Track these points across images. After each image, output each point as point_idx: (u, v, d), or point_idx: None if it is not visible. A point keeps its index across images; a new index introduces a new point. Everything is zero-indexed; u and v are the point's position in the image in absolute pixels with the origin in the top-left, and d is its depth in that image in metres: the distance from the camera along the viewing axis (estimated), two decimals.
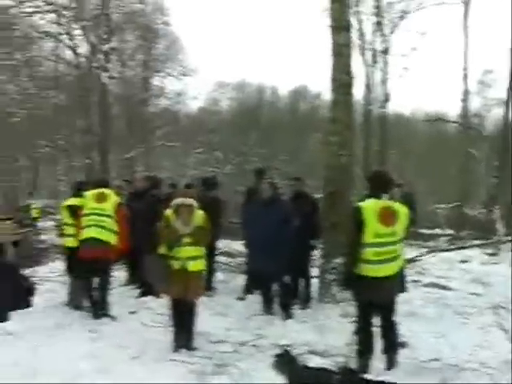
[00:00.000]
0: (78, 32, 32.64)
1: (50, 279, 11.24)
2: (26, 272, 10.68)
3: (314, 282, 9.80)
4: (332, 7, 10.11)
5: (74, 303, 8.98)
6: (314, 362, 6.20)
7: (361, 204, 5.98)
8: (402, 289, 6.28)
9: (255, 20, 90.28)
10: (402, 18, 31.93)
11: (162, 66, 40.38)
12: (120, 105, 38.38)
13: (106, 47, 31.44)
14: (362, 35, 31.84)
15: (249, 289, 10.02)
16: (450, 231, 26.27)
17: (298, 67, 78.92)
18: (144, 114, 39.50)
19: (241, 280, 10.64)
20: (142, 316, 8.59)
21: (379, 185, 6.07)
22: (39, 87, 36.81)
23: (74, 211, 9.00)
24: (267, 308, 8.87)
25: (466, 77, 29.49)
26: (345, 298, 8.70)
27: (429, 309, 9.24)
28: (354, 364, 5.90)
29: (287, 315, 8.57)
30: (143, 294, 9.80)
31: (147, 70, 40.43)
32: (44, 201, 34.65)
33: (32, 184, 39.06)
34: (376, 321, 6.21)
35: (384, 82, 32.40)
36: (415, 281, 11.43)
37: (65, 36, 33.31)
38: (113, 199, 8.75)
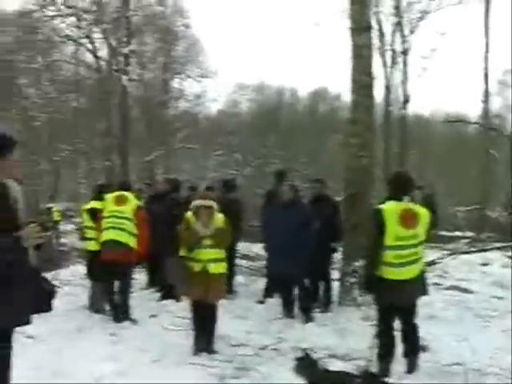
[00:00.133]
0: (98, 35, 32.87)
1: (71, 282, 11.31)
2: (47, 275, 10.76)
3: (335, 284, 9.76)
4: (352, 8, 10.07)
5: (94, 307, 9.02)
6: (335, 365, 6.15)
7: (381, 206, 5.93)
8: (425, 291, 6.21)
9: (275, 22, 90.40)
10: (421, 18, 31.80)
11: (182, 68, 40.49)
12: (140, 107, 38.56)
13: (125, 50, 31.61)
14: (381, 36, 31.73)
15: (269, 292, 9.99)
16: (471, 233, 26.07)
17: (318, 69, 78.94)
18: (164, 116, 39.64)
19: (261, 283, 10.61)
20: (162, 319, 8.59)
21: (400, 187, 6.02)
22: (60, 91, 37.15)
23: (95, 214, 9.03)
24: (287, 311, 8.84)
25: (486, 77, 29.30)
26: (365, 301, 8.67)
27: (449, 312, 9.18)
28: (374, 368, 5.85)
29: (308, 318, 8.54)
30: (163, 298, 9.82)
31: (167, 72, 40.57)
32: (64, 204, 34.89)
33: (53, 187, 39.32)
34: (397, 324, 6.16)
35: (404, 82, 32.25)
36: (436, 283, 11.34)
37: (85, 39, 33.54)
38: (132, 202, 8.76)
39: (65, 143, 37.54)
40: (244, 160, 43.70)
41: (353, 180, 9.76)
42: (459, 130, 46.30)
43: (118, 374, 5.98)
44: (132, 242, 8.54)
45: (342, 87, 54.00)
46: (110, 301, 8.70)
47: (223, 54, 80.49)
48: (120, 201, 8.73)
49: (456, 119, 38.17)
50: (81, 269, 11.53)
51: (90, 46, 33.95)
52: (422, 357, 6.30)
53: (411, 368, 6.08)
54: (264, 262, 10.75)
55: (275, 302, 9.49)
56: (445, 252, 16.39)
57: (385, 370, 5.92)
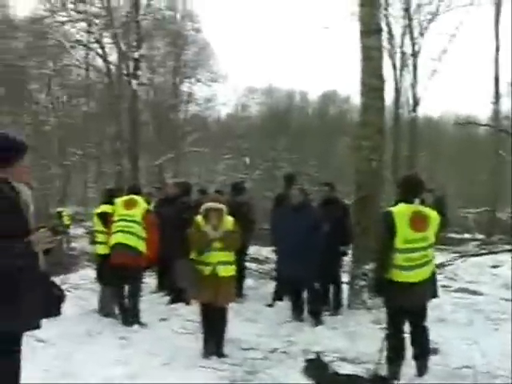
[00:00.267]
0: (108, 40, 32.99)
1: (81, 286, 11.32)
2: (57, 279, 10.79)
3: (345, 287, 9.75)
4: (361, 11, 10.08)
5: (104, 310, 9.03)
6: (345, 368, 6.15)
7: (391, 209, 5.93)
8: (435, 294, 6.19)
9: (284, 25, 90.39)
10: (431, 20, 31.71)
11: (192, 72, 40.58)
12: (150, 111, 38.66)
13: (135, 54, 31.68)
14: (391, 38, 31.67)
15: (278, 295, 9.99)
16: (480, 236, 25.98)
17: (327, 72, 78.66)
18: (173, 120, 39.74)
19: (270, 286, 10.61)
20: (172, 323, 8.61)
21: (410, 189, 6.01)
22: (70, 95, 37.36)
23: (105, 218, 9.05)
24: (297, 314, 8.84)
25: (496, 79, 29.20)
26: (375, 304, 8.66)
27: (459, 314, 9.15)
28: (384, 371, 5.84)
29: (317, 322, 8.53)
30: (173, 301, 9.83)
31: (177, 76, 40.66)
32: (74, 208, 34.98)
33: (62, 191, 39.44)
34: (407, 327, 6.15)
35: (413, 85, 32.17)
36: (445, 286, 11.30)
37: (95, 44, 33.70)
38: (142, 206, 8.77)
39: (75, 147, 37.72)
40: (253, 163, 43.69)
41: (363, 183, 9.75)
42: (469, 132, 46.09)
43: (128, 378, 5.99)
44: (141, 246, 8.55)
45: (351, 90, 53.87)
46: (120, 304, 8.72)
47: (233, 58, 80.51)
48: (129, 204, 8.74)
49: (466, 121, 38.00)
50: (90, 273, 11.55)
51: (100, 51, 34.09)
52: (432, 360, 6.28)
53: (421, 371, 6.06)
54: (273, 265, 10.76)
55: (285, 305, 9.49)
56: (454, 254, 16.34)
57: (394, 373, 5.90)
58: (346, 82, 77.40)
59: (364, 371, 5.91)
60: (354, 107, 41.98)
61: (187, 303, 9.24)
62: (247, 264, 11.33)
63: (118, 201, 8.90)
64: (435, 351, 6.68)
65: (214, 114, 45.92)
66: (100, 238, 9.20)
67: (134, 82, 31.14)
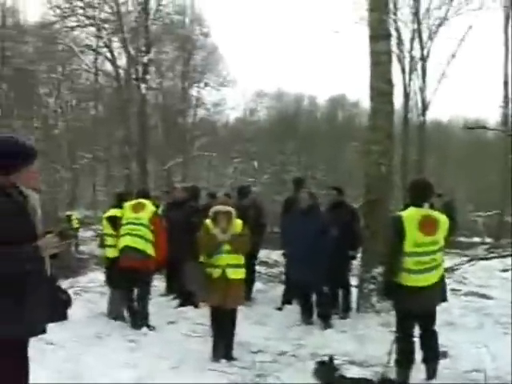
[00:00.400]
0: (117, 44, 33.11)
1: (90, 289, 11.35)
2: (66, 282, 10.84)
3: (354, 291, 9.74)
4: (370, 16, 10.08)
5: (113, 313, 9.04)
6: (354, 372, 6.14)
7: (401, 213, 5.94)
8: (444, 298, 6.18)
9: (293, 29, 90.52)
10: (440, 24, 31.69)
11: (201, 76, 40.66)
12: (158, 115, 38.77)
13: (144, 59, 31.79)
14: (400, 42, 31.66)
15: (287, 298, 9.99)
16: (489, 239, 25.90)
17: (336, 76, 78.70)
18: (182, 124, 39.82)
19: (279, 290, 10.61)
20: (180, 326, 8.61)
21: (419, 193, 6.01)
22: (79, 99, 37.52)
23: (115, 222, 9.08)
24: (306, 318, 8.84)
25: (506, 82, 29.14)
26: (384, 308, 8.66)
27: (469, 318, 9.12)
28: (393, 374, 5.83)
29: (326, 325, 8.52)
30: (182, 304, 9.84)
31: (185, 80, 40.73)
32: (82, 211, 35.10)
33: (71, 195, 39.57)
34: (416, 330, 6.14)
35: (422, 89, 32.14)
36: (454, 290, 11.27)
37: (104, 49, 33.85)
38: (149, 209, 8.78)
39: (84, 151, 37.87)
40: (262, 167, 43.73)
41: (372, 187, 9.73)
42: (478, 136, 45.92)
43: (137, 381, 6.00)
44: (149, 249, 8.56)
45: (360, 94, 53.82)
46: (129, 307, 8.73)
47: (242, 62, 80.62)
48: (137, 208, 8.77)
49: (475, 125, 37.94)
50: (99, 276, 11.59)
51: (109, 55, 34.24)
52: (442, 363, 6.25)
53: (430, 375, 6.04)
54: (282, 269, 10.76)
55: (294, 308, 9.49)
56: (464, 258, 16.28)
57: (404, 377, 5.89)
58: (354, 87, 77.37)
59: (373, 374, 5.90)
60: (362, 111, 41.96)
61: (196, 306, 9.26)
62: (257, 267, 11.34)
63: (127, 204, 8.93)
64: (444, 355, 6.66)
65: (223, 118, 46.12)
66: (109, 241, 9.23)
67: (142, 86, 31.26)
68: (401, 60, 32.07)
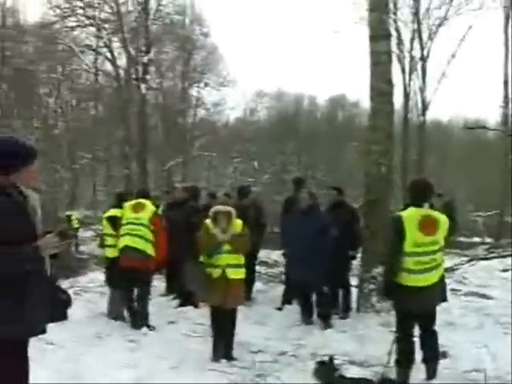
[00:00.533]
0: (117, 44, 33.12)
1: (90, 289, 11.35)
2: (66, 282, 10.85)
3: (354, 291, 9.74)
4: (370, 16, 10.08)
5: (113, 313, 9.04)
6: (354, 372, 6.13)
7: (401, 213, 5.94)
8: (444, 298, 6.18)
9: (293, 29, 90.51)
10: (440, 24, 31.70)
11: (201, 76, 40.66)
12: (158, 115, 38.77)
13: (144, 59, 31.79)
14: (400, 42, 31.67)
15: (288, 298, 9.99)
16: (489, 239, 25.90)
17: (336, 76, 78.68)
18: (182, 124, 39.81)
19: (279, 290, 10.61)
20: (180, 326, 8.61)
21: (419, 193, 6.01)
22: (79, 99, 37.52)
23: (115, 222, 9.08)
24: (306, 318, 8.84)
25: (506, 82, 29.15)
26: (384, 308, 8.66)
27: (469, 318, 9.11)
28: (393, 374, 5.83)
29: (326, 325, 8.52)
30: (182, 304, 9.84)
31: (185, 80, 40.73)
32: (82, 211, 35.08)
33: (71, 194, 39.57)
34: (416, 330, 6.14)
35: (422, 89, 32.15)
36: (454, 290, 11.26)
37: (104, 49, 33.86)
38: (149, 209, 8.78)
39: (84, 151, 37.87)
40: (262, 167, 43.73)
41: (372, 187, 9.73)
42: (478, 136, 45.92)
43: (137, 381, 6.00)
44: (149, 249, 8.56)
45: (360, 94, 53.83)
46: (129, 307, 8.73)
47: (242, 62, 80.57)
48: (137, 208, 8.77)
49: (475, 125, 37.94)
50: (99, 276, 11.59)
51: (109, 55, 34.24)
52: (442, 363, 6.25)
53: (430, 375, 6.04)
54: (282, 269, 10.76)
55: (293, 308, 9.49)
56: (464, 258, 16.29)
57: (404, 377, 5.89)
58: (354, 87, 77.40)
59: (373, 374, 5.90)
60: (362, 111, 41.96)
61: (196, 306, 9.26)
62: (257, 267, 11.34)
63: (127, 204, 8.94)
64: (444, 355, 6.66)
65: (223, 118, 46.13)
66: (109, 241, 9.23)
67: (142, 86, 31.26)
68: (401, 60, 32.09)
